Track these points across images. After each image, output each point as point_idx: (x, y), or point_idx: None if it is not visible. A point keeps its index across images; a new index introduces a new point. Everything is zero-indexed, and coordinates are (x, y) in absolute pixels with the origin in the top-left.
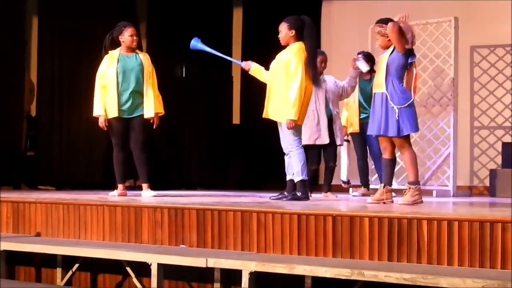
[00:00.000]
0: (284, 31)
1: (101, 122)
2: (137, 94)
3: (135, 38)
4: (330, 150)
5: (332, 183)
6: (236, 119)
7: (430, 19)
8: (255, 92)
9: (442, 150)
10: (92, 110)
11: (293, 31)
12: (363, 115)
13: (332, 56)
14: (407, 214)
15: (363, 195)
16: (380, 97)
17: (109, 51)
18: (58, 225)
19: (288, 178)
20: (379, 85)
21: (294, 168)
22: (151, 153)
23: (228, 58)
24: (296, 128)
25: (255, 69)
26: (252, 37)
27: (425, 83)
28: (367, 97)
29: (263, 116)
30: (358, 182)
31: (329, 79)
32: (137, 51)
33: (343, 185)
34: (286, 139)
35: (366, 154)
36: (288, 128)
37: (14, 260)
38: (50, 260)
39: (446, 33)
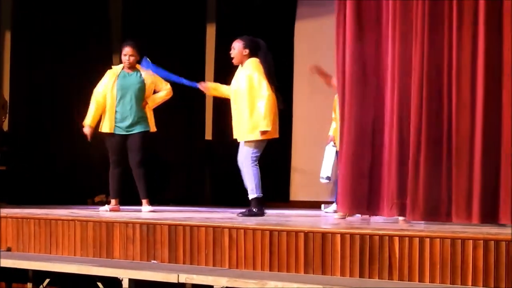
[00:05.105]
0: (237, 48)
1: (84, 130)
2: (134, 112)
3: (128, 57)
4: None
5: (308, 199)
6: (208, 135)
7: None
8: (228, 107)
9: None
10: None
11: (247, 50)
12: None
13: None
14: (378, 231)
15: (335, 211)
16: None
17: (113, 66)
18: (29, 240)
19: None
20: None
21: (248, 185)
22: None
23: (182, 80)
24: (259, 143)
25: (213, 87)
26: (225, 53)
27: None
28: None
29: (234, 137)
30: (331, 199)
31: None
32: (139, 67)
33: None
34: (243, 154)
35: None
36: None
37: None
38: (21, 275)
39: None
